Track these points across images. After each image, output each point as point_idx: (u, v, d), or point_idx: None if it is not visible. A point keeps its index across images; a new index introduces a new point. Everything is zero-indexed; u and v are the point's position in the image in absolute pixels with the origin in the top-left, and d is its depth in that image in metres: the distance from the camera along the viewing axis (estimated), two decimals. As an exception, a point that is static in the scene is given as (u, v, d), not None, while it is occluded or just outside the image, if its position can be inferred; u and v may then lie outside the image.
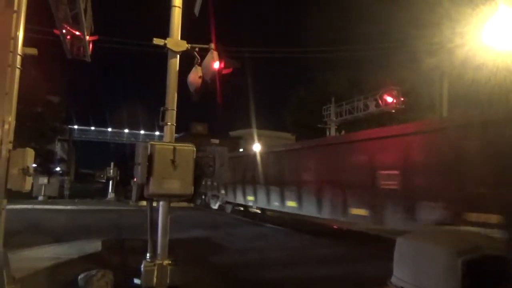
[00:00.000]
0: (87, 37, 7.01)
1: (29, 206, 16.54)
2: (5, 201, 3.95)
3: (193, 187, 4.61)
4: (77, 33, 6.78)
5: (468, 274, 2.02)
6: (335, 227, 12.53)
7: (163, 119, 4.92)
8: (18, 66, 4.10)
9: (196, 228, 11.96)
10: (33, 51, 4.55)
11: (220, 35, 5.30)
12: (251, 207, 16.39)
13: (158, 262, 4.54)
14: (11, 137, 3.97)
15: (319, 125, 23.11)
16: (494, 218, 6.41)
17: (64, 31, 6.68)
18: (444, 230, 6.21)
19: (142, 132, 61.81)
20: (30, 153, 4.19)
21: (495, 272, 2.42)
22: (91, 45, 7.41)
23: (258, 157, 15.53)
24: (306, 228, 12.08)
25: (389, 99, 18.60)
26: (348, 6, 21.07)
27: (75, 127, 57.56)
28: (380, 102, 19.04)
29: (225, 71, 5.14)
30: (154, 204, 4.80)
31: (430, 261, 2.22)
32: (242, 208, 17.63)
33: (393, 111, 18.85)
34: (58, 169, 38.87)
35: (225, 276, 6.59)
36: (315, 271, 7.01)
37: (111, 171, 24.41)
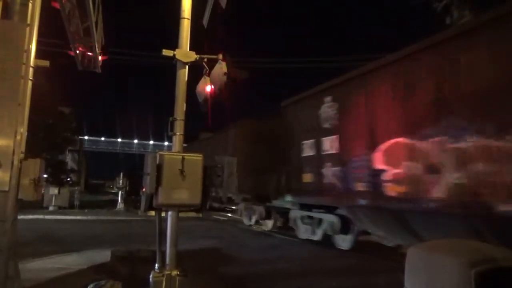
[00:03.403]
0: (98, 50, 7.16)
1: (40, 216, 16.68)
2: (16, 211, 4.00)
3: (201, 197, 4.61)
4: (88, 45, 6.93)
5: (482, 286, 1.97)
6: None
7: (172, 129, 4.95)
8: (31, 78, 4.18)
9: (205, 238, 11.92)
10: (45, 63, 4.65)
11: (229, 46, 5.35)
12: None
13: (166, 272, 4.53)
14: (22, 147, 4.04)
15: None
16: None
17: (75, 43, 6.83)
18: (457, 241, 6.09)
19: (151, 142, 62.48)
20: (41, 163, 4.25)
21: (510, 284, 2.37)
22: (101, 57, 7.55)
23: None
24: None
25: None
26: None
27: (86, 137, 58.37)
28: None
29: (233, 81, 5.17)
30: (163, 214, 4.81)
31: (441, 272, 2.18)
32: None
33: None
34: (68, 179, 39.19)
35: (235, 287, 6.54)
36: (326, 283, 6.92)
37: (121, 181, 24.56)
